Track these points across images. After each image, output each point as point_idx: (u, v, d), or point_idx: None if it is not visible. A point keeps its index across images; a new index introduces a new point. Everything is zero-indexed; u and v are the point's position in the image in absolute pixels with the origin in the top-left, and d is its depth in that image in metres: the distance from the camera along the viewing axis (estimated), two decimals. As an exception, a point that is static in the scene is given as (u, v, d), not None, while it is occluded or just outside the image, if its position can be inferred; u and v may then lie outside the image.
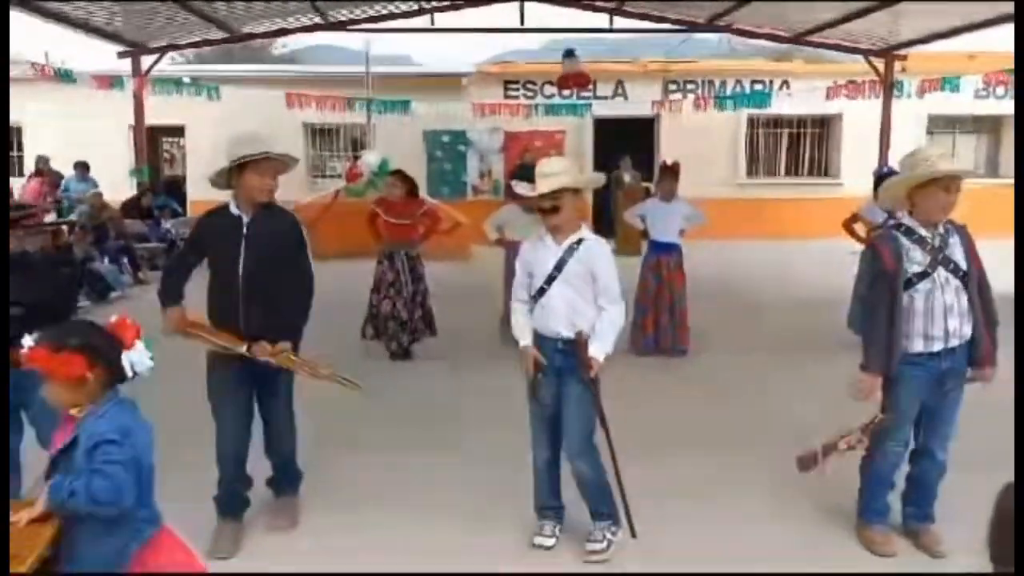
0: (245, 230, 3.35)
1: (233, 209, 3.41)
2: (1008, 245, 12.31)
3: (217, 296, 3.40)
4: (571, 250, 3.22)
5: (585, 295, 3.21)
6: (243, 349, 3.26)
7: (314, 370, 3.35)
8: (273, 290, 3.34)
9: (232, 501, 3.46)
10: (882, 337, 3.21)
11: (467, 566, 3.21)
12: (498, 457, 4.21)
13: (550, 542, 3.39)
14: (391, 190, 6.54)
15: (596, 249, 3.25)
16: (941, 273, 3.17)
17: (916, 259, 3.19)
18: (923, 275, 3.17)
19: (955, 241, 3.21)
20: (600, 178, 3.81)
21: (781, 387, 5.75)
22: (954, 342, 3.19)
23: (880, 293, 3.23)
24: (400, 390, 5.77)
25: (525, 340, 3.31)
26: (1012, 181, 15.15)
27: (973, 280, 3.20)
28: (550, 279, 3.21)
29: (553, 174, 3.21)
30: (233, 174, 3.34)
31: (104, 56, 11.98)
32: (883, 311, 3.21)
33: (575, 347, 3.16)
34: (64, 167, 12.46)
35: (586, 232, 3.29)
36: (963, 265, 3.19)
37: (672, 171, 6.68)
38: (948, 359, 3.21)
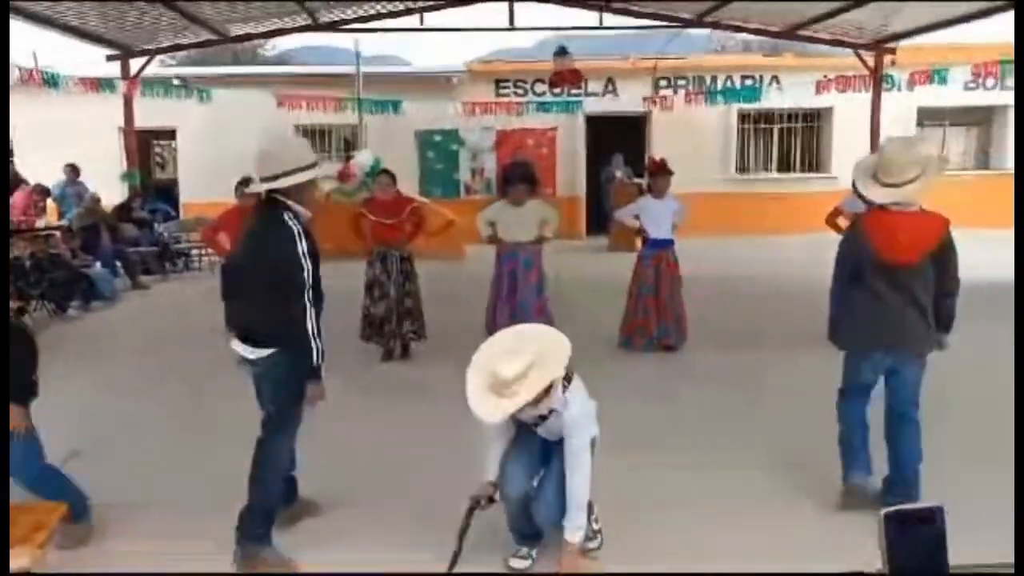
0: None
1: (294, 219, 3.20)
2: (999, 236, 12.40)
3: (317, 308, 3.20)
4: (544, 419, 2.99)
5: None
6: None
7: None
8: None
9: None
10: None
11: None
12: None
13: (524, 564, 3.20)
14: (385, 189, 6.50)
15: (566, 420, 2.93)
16: None
17: None
18: None
19: None
20: (556, 371, 2.84)
21: (776, 381, 5.77)
22: None
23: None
24: (391, 391, 5.78)
25: (488, 475, 3.11)
26: (1002, 172, 15.26)
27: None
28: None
29: (510, 396, 2.77)
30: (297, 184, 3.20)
31: (93, 60, 11.95)
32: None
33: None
34: (55, 172, 12.39)
35: (558, 402, 2.89)
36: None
37: (664, 167, 6.71)
38: None
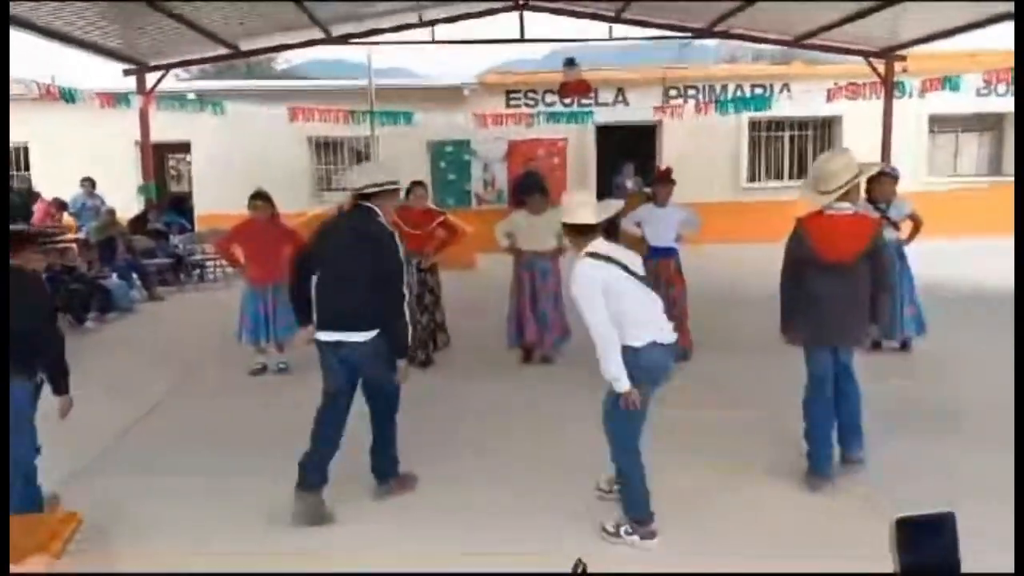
0: None
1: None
2: (1010, 243, 12.28)
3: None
4: None
5: None
6: None
7: None
8: None
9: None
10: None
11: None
12: (506, 462, 4.22)
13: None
14: (418, 201, 6.62)
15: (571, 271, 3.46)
16: None
17: None
18: None
19: None
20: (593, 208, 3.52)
21: (785, 389, 5.74)
22: None
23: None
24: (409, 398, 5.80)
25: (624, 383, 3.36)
26: (1013, 179, 15.15)
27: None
28: None
29: (567, 210, 3.53)
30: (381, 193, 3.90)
31: (110, 74, 12.10)
32: None
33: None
34: (72, 186, 12.54)
35: (581, 256, 3.45)
36: None
37: (666, 177, 6.72)
38: None
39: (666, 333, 3.40)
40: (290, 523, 3.66)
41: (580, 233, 3.47)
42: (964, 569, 1.12)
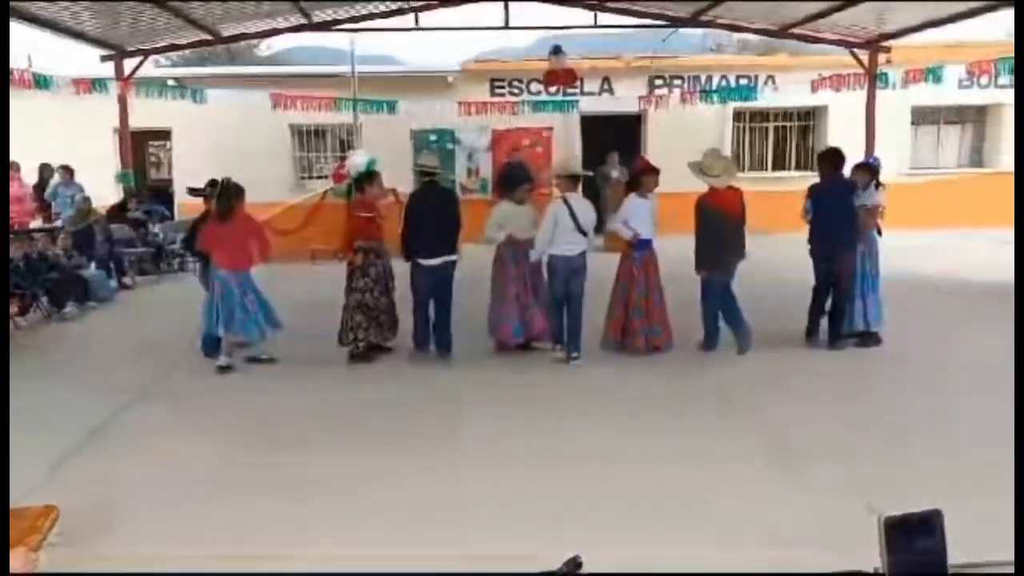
0: None
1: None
2: (991, 234, 12.42)
3: None
4: None
5: None
6: None
7: None
8: None
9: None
10: None
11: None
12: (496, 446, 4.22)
13: (562, 354, 6.32)
14: (384, 192, 6.75)
15: None
16: None
17: None
18: None
19: None
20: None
21: (766, 382, 5.78)
22: None
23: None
24: (398, 387, 5.77)
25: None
26: (994, 171, 15.31)
27: None
28: None
29: (564, 166, 6.83)
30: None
31: (87, 60, 11.89)
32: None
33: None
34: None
35: (558, 197, 6.39)
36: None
37: (652, 167, 6.75)
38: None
39: (567, 252, 6.15)
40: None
41: (569, 181, 6.34)
42: (958, 560, 1.12)
